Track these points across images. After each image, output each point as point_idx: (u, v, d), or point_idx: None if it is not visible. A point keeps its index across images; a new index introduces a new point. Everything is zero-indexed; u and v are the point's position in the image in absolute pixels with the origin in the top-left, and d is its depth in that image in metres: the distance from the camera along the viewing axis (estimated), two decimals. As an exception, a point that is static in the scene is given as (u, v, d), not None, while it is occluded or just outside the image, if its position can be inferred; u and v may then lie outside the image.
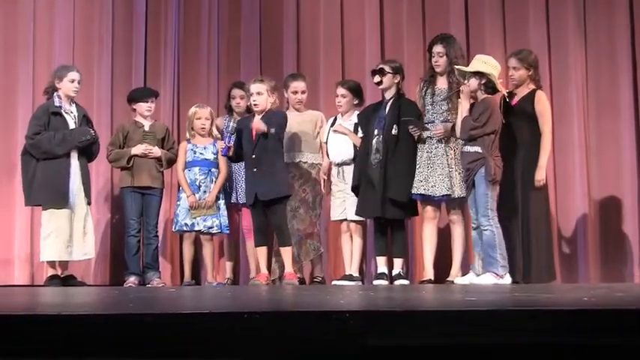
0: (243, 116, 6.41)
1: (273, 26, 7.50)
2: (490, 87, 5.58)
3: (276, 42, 7.48)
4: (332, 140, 6.35)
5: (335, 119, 6.42)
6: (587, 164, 6.92)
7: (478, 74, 5.57)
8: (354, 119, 6.33)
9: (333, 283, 6.19)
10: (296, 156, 6.39)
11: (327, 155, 6.36)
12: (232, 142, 6.07)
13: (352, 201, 6.18)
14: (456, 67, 5.77)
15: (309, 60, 7.41)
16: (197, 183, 6.47)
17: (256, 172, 5.92)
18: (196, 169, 6.48)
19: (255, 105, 6.01)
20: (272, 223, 6.00)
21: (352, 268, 6.23)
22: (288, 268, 5.92)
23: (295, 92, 6.48)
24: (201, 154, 6.48)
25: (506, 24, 7.21)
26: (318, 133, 6.49)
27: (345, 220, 6.30)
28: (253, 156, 5.93)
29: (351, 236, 6.30)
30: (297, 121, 6.37)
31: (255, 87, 6.00)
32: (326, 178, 6.36)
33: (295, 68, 7.27)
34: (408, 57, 7.09)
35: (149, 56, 7.43)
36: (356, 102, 6.39)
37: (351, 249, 6.29)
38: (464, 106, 5.69)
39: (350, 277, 6.16)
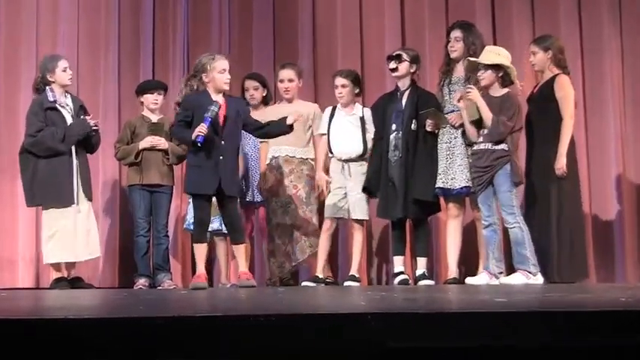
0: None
1: (287, 17, 7.28)
2: (507, 79, 5.45)
3: (290, 33, 7.26)
4: (335, 134, 6.02)
5: (334, 110, 6.10)
6: (623, 156, 6.82)
7: (494, 67, 5.43)
8: (358, 112, 6.05)
9: (303, 284, 5.95)
10: (285, 150, 6.11)
11: (330, 150, 6.05)
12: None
13: (356, 199, 5.95)
14: (469, 58, 5.61)
15: (325, 52, 7.19)
16: None
17: (222, 160, 5.37)
18: None
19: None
20: (228, 217, 5.53)
21: (352, 268, 6.02)
22: (242, 267, 5.51)
23: (282, 81, 6.23)
24: None
25: (535, 12, 7.03)
26: (310, 126, 6.18)
27: (342, 218, 6.06)
28: (222, 142, 5.38)
29: (332, 235, 6.04)
30: (288, 112, 5.77)
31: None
32: (329, 178, 6.02)
33: (311, 60, 7.12)
34: (430, 48, 6.91)
35: (157, 50, 7.26)
36: (356, 91, 6.14)
37: (327, 248, 6.02)
38: (482, 105, 5.46)
39: (316, 279, 5.90)
